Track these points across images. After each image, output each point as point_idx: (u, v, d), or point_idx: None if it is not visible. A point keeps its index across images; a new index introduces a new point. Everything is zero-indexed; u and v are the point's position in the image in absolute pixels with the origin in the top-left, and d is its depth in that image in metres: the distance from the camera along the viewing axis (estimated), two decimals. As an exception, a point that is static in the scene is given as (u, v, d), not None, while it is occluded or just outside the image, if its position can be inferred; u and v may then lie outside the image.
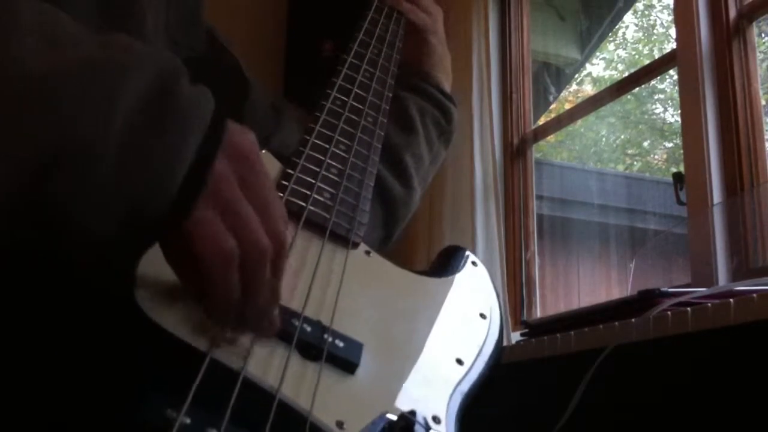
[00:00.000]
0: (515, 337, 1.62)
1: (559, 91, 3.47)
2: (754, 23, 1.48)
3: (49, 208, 0.38)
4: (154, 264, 0.46)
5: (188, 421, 0.38)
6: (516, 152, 2.12)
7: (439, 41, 0.93)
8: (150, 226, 0.42)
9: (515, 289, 2.00)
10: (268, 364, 0.46)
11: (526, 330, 1.53)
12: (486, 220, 1.92)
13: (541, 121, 2.35)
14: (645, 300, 1.16)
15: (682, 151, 1.55)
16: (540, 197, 2.67)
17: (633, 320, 1.16)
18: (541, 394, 1.34)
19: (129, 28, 0.58)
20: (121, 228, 0.41)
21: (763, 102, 1.49)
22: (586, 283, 3.38)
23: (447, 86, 0.92)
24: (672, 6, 1.62)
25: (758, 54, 1.50)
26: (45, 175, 0.37)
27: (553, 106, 3.41)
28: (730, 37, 1.47)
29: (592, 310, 1.36)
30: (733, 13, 1.48)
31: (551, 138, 2.85)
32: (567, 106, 2.89)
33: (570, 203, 3.54)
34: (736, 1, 1.49)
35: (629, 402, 1.18)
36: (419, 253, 1.93)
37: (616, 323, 1.20)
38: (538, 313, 2.01)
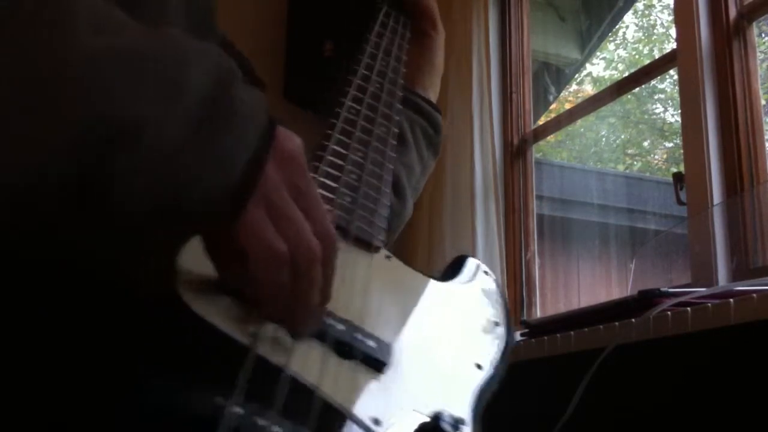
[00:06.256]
0: (515, 337, 1.62)
1: (559, 91, 3.48)
2: (754, 23, 1.48)
3: (98, 189, 0.38)
4: (195, 256, 0.47)
5: (238, 410, 0.39)
6: (516, 152, 2.12)
7: (442, 56, 0.95)
8: (196, 220, 0.42)
9: (515, 289, 2.00)
10: (307, 361, 0.47)
11: (526, 330, 1.53)
12: (486, 220, 1.92)
13: (541, 121, 2.35)
14: (645, 300, 1.16)
15: (682, 151, 1.56)
16: (540, 197, 2.67)
17: (633, 320, 1.16)
18: (541, 394, 1.34)
19: (151, 13, 0.58)
20: (159, 216, 0.41)
21: (763, 102, 1.49)
22: (586, 283, 3.38)
23: (433, 96, 0.93)
24: (672, 6, 1.62)
25: (758, 54, 1.50)
26: (103, 153, 0.37)
27: (553, 106, 3.42)
28: (730, 37, 1.47)
29: (592, 310, 1.36)
30: (733, 13, 1.48)
31: (551, 138, 2.85)
32: (567, 106, 2.89)
33: (570, 203, 3.54)
34: (736, 1, 1.49)
35: (629, 402, 1.18)
36: (419, 252, 1.94)
37: (616, 323, 1.20)
38: (538, 313, 2.01)
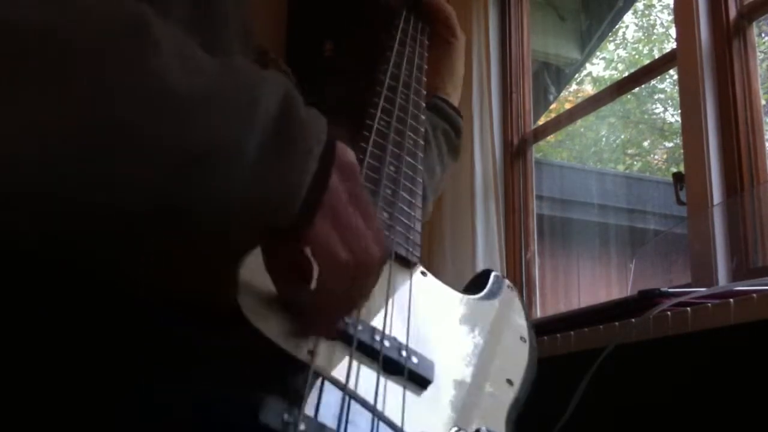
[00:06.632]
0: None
1: (559, 91, 3.48)
2: (754, 23, 1.48)
3: (183, 214, 0.40)
4: (254, 270, 0.47)
5: (302, 427, 0.40)
6: (516, 152, 2.12)
7: (463, 61, 0.97)
8: (273, 234, 0.44)
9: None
10: (359, 377, 0.48)
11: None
12: (486, 220, 1.92)
13: (541, 121, 2.35)
14: (645, 300, 1.16)
15: (682, 151, 1.56)
16: (540, 197, 2.67)
17: (633, 320, 1.16)
18: (541, 395, 1.34)
19: (216, 36, 0.60)
20: (255, 237, 0.44)
21: (763, 102, 1.49)
22: (586, 283, 3.38)
23: (455, 101, 0.94)
24: (672, 6, 1.62)
25: (758, 54, 1.50)
26: (186, 181, 0.40)
27: (553, 106, 3.42)
28: (730, 37, 1.47)
29: (592, 310, 1.36)
30: (733, 13, 1.48)
31: (551, 138, 2.85)
32: (567, 106, 2.89)
33: (570, 203, 3.54)
34: (736, 1, 1.49)
35: (629, 402, 1.18)
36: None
37: (616, 323, 1.20)
38: (538, 313, 2.02)
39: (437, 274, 0.67)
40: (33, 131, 0.36)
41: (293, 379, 0.43)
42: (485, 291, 0.70)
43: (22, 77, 0.36)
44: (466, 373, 0.57)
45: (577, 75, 3.82)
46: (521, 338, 0.66)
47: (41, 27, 0.36)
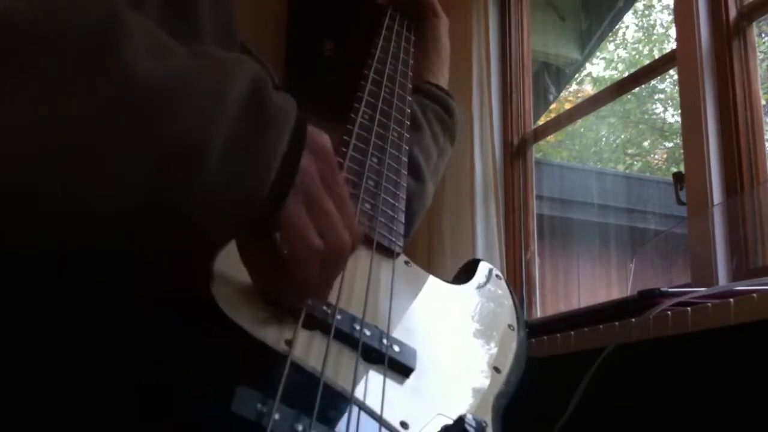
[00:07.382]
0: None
1: (559, 91, 3.47)
2: (754, 23, 1.48)
3: (166, 210, 0.40)
4: (228, 262, 0.47)
5: (277, 416, 0.40)
6: (516, 152, 2.12)
7: (447, 41, 0.98)
8: (246, 220, 0.44)
9: (515, 289, 2.00)
10: (338, 366, 0.48)
11: (527, 330, 1.53)
12: (486, 220, 1.92)
13: (541, 121, 2.36)
14: (645, 300, 1.16)
15: (682, 151, 1.56)
16: (540, 197, 2.67)
17: (633, 320, 1.16)
18: (541, 394, 1.34)
19: (190, 27, 0.60)
20: (231, 223, 0.43)
21: (763, 102, 1.49)
22: (586, 283, 3.38)
23: (443, 83, 0.95)
24: (672, 6, 1.62)
25: (758, 54, 1.50)
26: (162, 176, 0.39)
27: (553, 106, 3.42)
28: (730, 37, 1.47)
29: (592, 310, 1.36)
30: (733, 13, 1.48)
31: (551, 138, 2.85)
32: (567, 106, 2.89)
33: (570, 203, 3.54)
34: (736, 1, 1.49)
35: (629, 402, 1.18)
36: (419, 252, 1.94)
37: (616, 323, 1.20)
38: (538, 313, 2.02)
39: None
40: (21, 129, 0.36)
41: (270, 370, 0.43)
42: (472, 280, 0.70)
43: (8, 74, 0.35)
44: (450, 360, 0.57)
45: (577, 75, 3.82)
46: (509, 326, 0.66)
47: (25, 19, 0.36)
